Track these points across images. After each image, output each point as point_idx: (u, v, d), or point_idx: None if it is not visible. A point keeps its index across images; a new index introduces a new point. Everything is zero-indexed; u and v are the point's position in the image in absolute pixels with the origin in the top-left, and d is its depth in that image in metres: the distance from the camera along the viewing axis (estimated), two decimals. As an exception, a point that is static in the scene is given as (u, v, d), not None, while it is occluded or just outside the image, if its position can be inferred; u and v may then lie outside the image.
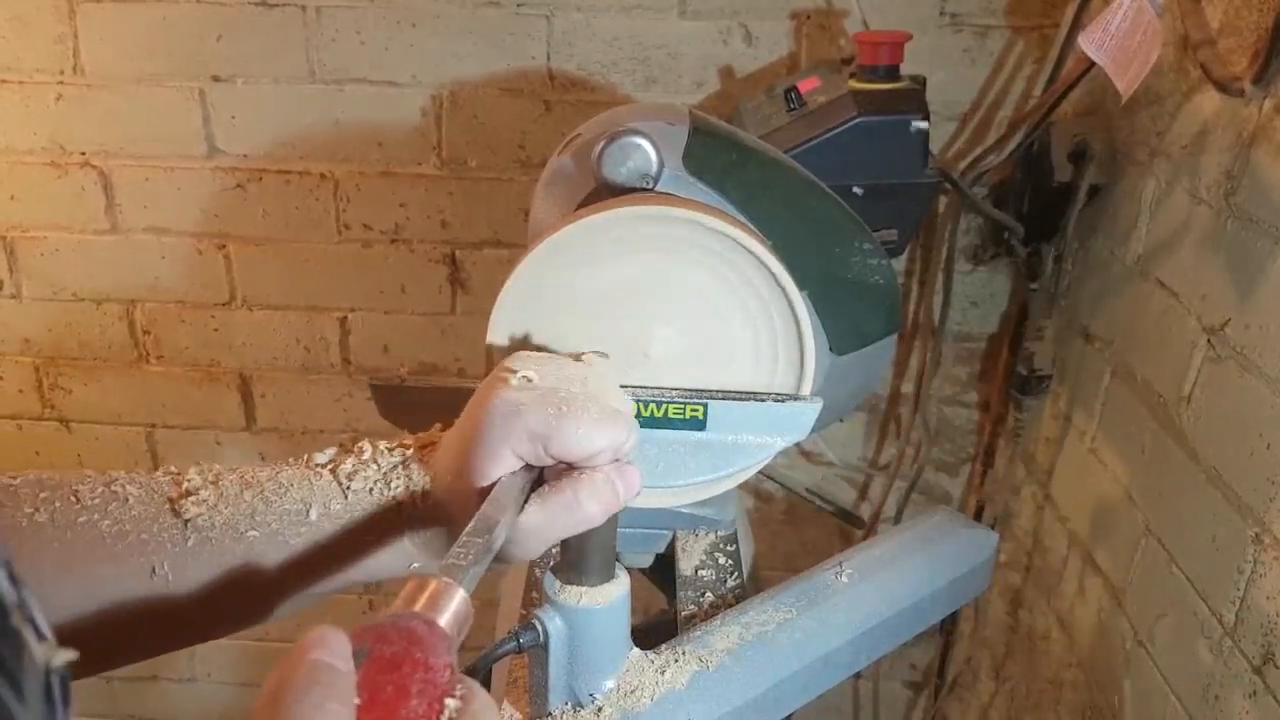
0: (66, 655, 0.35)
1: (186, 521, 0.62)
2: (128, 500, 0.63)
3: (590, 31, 1.55)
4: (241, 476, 0.66)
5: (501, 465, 0.61)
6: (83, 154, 1.67)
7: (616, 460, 0.64)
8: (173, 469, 0.67)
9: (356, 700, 0.39)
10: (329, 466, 0.66)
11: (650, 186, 0.86)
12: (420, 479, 0.65)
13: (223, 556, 0.62)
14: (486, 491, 0.60)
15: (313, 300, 1.76)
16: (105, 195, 1.69)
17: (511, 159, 1.63)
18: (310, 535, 0.64)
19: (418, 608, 0.46)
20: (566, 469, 0.63)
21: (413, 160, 1.65)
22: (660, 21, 1.54)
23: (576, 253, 0.78)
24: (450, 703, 0.42)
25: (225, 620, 0.65)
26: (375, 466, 0.65)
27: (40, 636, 0.34)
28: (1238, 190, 1.10)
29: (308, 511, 0.64)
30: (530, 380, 0.64)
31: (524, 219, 1.63)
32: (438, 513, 0.64)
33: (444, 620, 0.46)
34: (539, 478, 0.64)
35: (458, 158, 1.64)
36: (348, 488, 0.65)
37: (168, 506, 0.63)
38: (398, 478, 0.65)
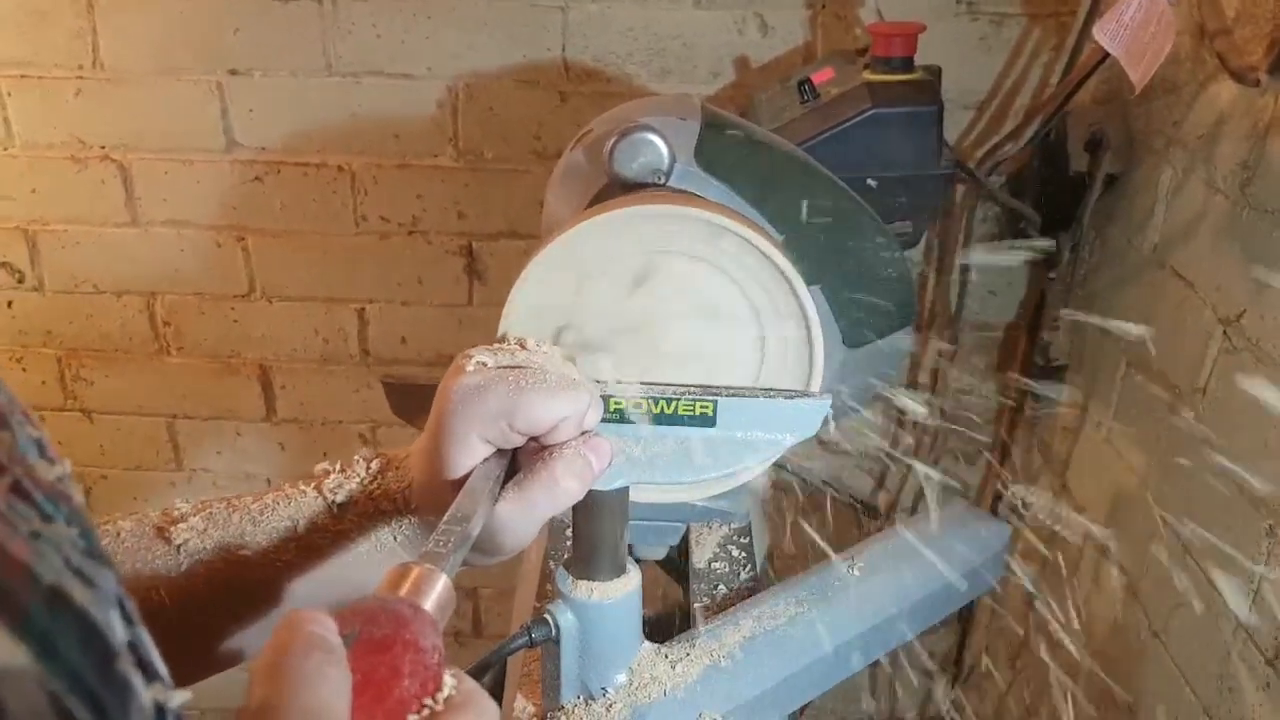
0: (182, 697, 0.34)
1: (179, 547, 0.63)
2: (119, 534, 0.63)
3: (605, 22, 1.55)
4: (229, 503, 0.66)
5: (471, 453, 0.62)
6: (102, 148, 1.68)
7: (584, 433, 0.64)
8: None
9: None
10: (313, 484, 0.67)
11: (662, 182, 0.86)
12: (401, 484, 0.66)
13: (217, 579, 0.63)
14: (461, 484, 0.61)
15: (331, 292, 1.77)
16: (125, 188, 1.71)
17: (527, 150, 1.64)
18: (302, 551, 0.64)
19: (402, 593, 0.46)
20: (537, 449, 0.63)
21: (429, 152, 1.65)
22: (675, 11, 1.54)
23: (586, 251, 0.78)
24: (448, 680, 0.43)
25: (225, 645, 0.65)
26: (358, 478, 0.66)
27: (151, 678, 0.33)
28: (1253, 180, 1.09)
29: (297, 527, 0.64)
30: (485, 364, 0.64)
31: (540, 210, 1.63)
32: (420, 516, 0.65)
33: (429, 605, 0.46)
34: (512, 465, 0.64)
35: (474, 149, 1.64)
36: (333, 501, 0.65)
37: (158, 535, 0.63)
38: (379, 486, 0.66)
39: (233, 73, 1.62)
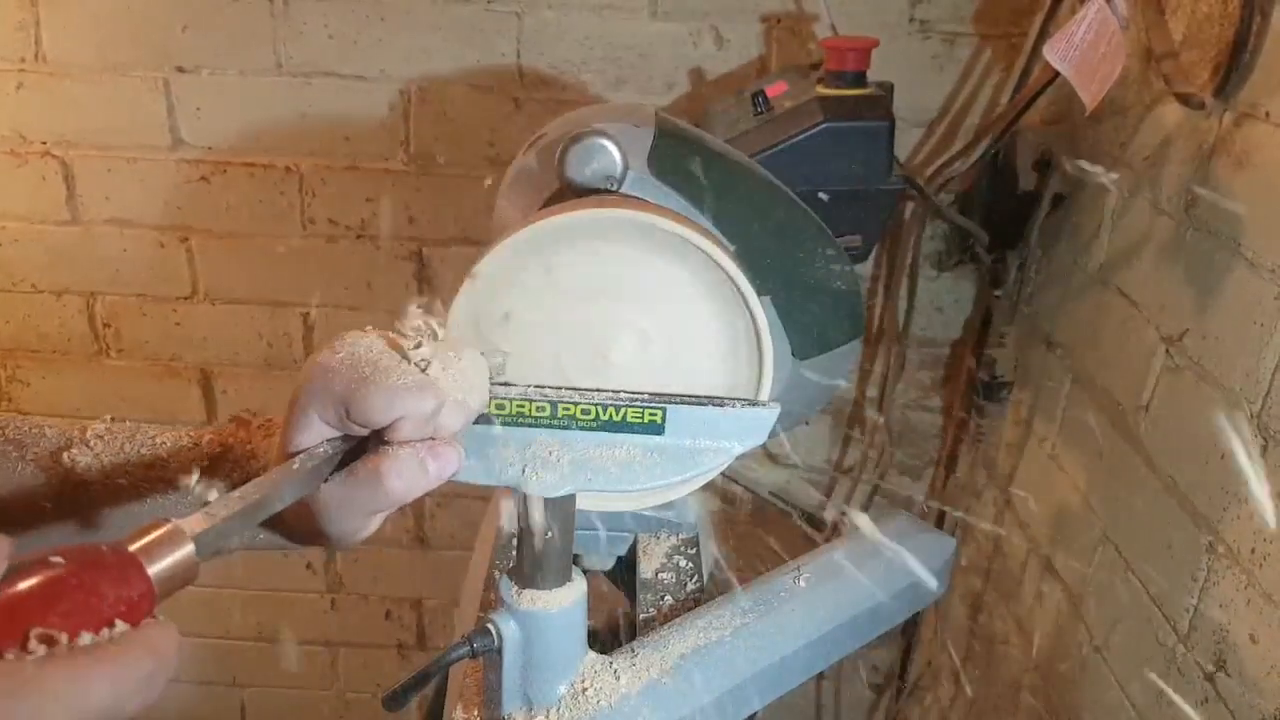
0: None
1: (73, 469, 0.70)
2: (43, 430, 0.73)
3: (561, 30, 1.54)
4: (134, 431, 0.72)
5: (311, 433, 0.59)
6: (43, 143, 1.65)
7: (437, 437, 0.60)
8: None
9: None
10: (203, 436, 0.71)
11: (614, 188, 0.86)
12: (264, 455, 0.67)
13: (95, 502, 0.69)
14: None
15: (276, 295, 1.74)
16: (66, 186, 1.67)
17: (480, 156, 1.63)
18: (161, 484, 0.69)
19: (133, 546, 0.44)
20: (381, 441, 0.60)
21: (380, 155, 1.64)
22: (631, 22, 1.54)
23: (534, 255, 0.77)
24: (119, 627, 0.41)
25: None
26: (234, 437, 0.70)
27: None
28: (1197, 202, 1.11)
29: (165, 470, 0.70)
30: (351, 348, 0.61)
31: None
32: None
33: (153, 564, 0.44)
34: (357, 450, 0.61)
35: (425, 153, 1.63)
36: (207, 454, 0.70)
37: (53, 460, 0.71)
38: (250, 444, 0.69)
39: (180, 70, 1.59)
